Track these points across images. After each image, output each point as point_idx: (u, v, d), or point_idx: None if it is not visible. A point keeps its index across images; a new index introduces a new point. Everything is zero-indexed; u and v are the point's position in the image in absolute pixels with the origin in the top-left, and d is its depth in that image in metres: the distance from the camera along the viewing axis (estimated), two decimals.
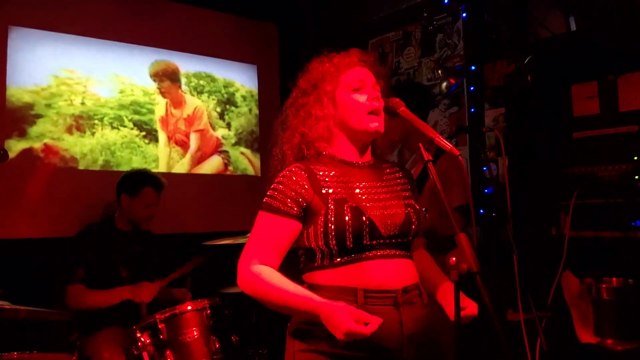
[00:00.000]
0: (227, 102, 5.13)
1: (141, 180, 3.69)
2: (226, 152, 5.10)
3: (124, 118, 4.50)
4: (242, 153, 5.19)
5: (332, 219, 1.84)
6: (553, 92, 3.56)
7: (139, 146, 4.54)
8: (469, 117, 4.35)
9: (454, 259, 1.61)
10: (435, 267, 2.07)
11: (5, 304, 2.80)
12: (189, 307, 3.13)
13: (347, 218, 1.84)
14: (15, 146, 4.00)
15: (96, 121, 4.37)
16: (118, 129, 4.46)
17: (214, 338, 3.11)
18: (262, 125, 5.25)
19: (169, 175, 4.60)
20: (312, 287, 1.90)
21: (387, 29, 5.02)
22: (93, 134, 4.34)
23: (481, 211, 4.00)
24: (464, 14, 4.43)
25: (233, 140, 5.14)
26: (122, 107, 4.50)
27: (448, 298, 1.93)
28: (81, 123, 4.30)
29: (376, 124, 1.97)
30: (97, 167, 4.33)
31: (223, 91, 5.09)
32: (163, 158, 4.69)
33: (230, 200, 4.97)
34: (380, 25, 5.04)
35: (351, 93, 1.99)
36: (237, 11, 5.15)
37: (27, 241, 3.90)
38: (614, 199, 3.09)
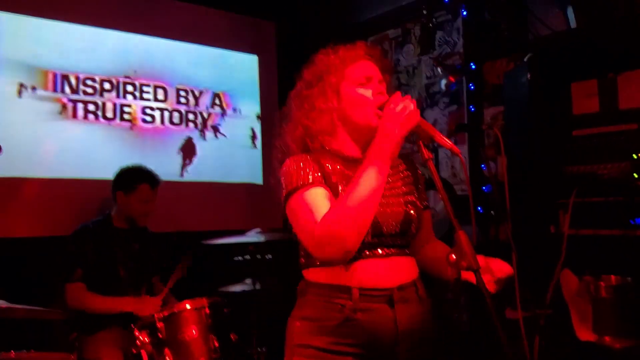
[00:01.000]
0: None
1: (136, 177, 3.67)
2: None
3: None
4: None
5: None
6: (553, 90, 3.55)
7: None
8: (468, 115, 4.35)
9: (453, 256, 1.61)
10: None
11: (3, 303, 2.79)
12: (188, 306, 3.13)
13: None
14: None
15: None
16: None
17: (212, 337, 3.11)
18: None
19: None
20: (310, 285, 1.91)
21: (386, 26, 5.02)
22: None
23: (480, 209, 4.00)
24: (464, 12, 4.43)
25: None
26: None
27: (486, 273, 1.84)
28: None
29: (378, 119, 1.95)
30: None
31: None
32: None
33: (229, 198, 4.96)
34: (380, 22, 5.04)
35: (356, 87, 1.97)
36: (236, 9, 5.14)
37: (24, 240, 3.89)
38: (613, 197, 3.09)
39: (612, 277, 2.93)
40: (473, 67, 4.34)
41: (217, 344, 3.10)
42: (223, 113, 5.04)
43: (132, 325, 3.10)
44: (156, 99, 4.70)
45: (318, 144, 1.98)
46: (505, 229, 2.91)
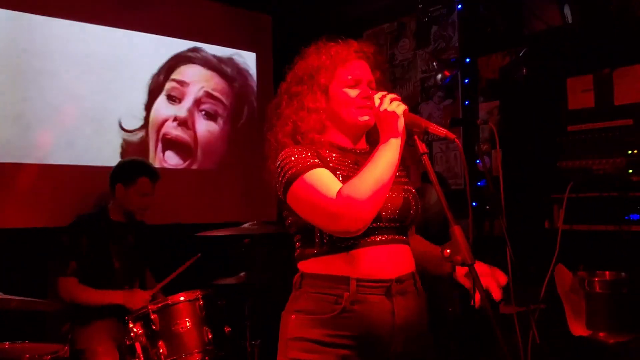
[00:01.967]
0: None
1: (136, 170, 3.65)
2: None
3: None
4: None
5: None
6: (548, 85, 3.56)
7: None
8: (463, 109, 4.36)
9: (448, 251, 1.61)
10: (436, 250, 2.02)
11: None
12: (182, 298, 3.12)
13: None
14: None
15: None
16: None
17: (206, 329, 3.10)
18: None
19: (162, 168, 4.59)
20: (306, 277, 1.91)
21: (381, 20, 5.01)
22: None
23: (474, 204, 4.00)
24: (459, 6, 4.42)
25: None
26: None
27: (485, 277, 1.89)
28: None
29: (365, 118, 1.97)
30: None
31: None
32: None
33: (224, 190, 4.96)
34: (376, 16, 5.03)
35: (344, 87, 1.99)
36: (231, 1, 5.12)
37: (18, 231, 3.88)
38: (608, 193, 3.10)
39: (606, 272, 2.94)
40: (468, 61, 4.33)
41: (210, 336, 3.09)
42: None
43: (126, 317, 3.09)
44: None
45: (308, 140, 1.98)
46: (500, 223, 2.92)
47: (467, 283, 1.93)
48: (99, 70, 4.37)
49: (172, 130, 4.75)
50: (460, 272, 1.94)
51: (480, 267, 1.88)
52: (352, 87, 1.99)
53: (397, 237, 1.92)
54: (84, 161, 4.24)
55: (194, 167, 4.86)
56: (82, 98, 4.28)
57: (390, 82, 2.19)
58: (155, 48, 4.70)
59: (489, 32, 4.18)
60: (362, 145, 2.07)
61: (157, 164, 4.49)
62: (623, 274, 2.91)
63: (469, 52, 4.35)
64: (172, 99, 4.76)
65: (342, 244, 1.86)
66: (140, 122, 4.58)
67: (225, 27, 5.13)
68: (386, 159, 1.81)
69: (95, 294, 3.42)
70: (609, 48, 3.31)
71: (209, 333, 3.09)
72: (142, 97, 4.61)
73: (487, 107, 4.20)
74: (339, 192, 1.76)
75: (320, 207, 1.79)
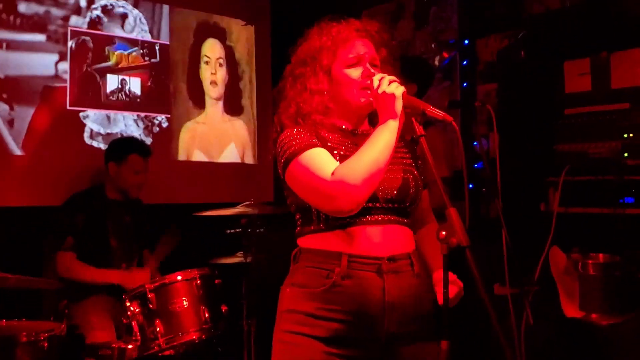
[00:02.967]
0: None
1: (127, 147, 3.68)
2: None
3: None
4: None
5: None
6: (545, 68, 3.56)
7: None
8: (461, 91, 4.35)
9: (443, 233, 1.62)
10: (435, 250, 2.03)
11: None
12: (179, 277, 3.14)
13: None
14: None
15: None
16: None
17: (203, 308, 3.13)
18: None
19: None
20: (304, 251, 1.94)
21: (380, 0, 4.99)
22: None
23: (470, 186, 4.02)
24: None
25: None
26: None
27: (438, 285, 1.92)
28: None
29: (366, 99, 1.96)
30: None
31: None
32: None
33: (221, 170, 4.96)
34: None
35: (345, 68, 1.99)
36: None
37: (15, 209, 3.88)
38: (603, 176, 3.11)
39: (600, 254, 2.96)
40: (467, 43, 4.32)
41: (207, 315, 3.12)
42: None
43: (123, 296, 3.11)
44: None
45: (310, 122, 1.99)
46: (496, 206, 2.93)
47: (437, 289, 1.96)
48: None
49: None
50: (435, 278, 1.98)
51: (439, 275, 1.89)
52: (353, 66, 1.98)
53: (394, 217, 1.93)
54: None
55: None
56: None
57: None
58: None
59: (488, 15, 4.17)
60: (365, 127, 2.07)
61: None
62: (617, 256, 2.93)
63: (467, 34, 4.34)
64: None
65: (337, 222, 1.88)
66: None
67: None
68: (383, 140, 1.82)
69: (93, 271, 3.44)
70: (606, 32, 3.31)
71: (205, 312, 3.12)
72: None
73: (485, 90, 4.20)
74: (333, 173, 1.79)
75: (314, 187, 1.83)
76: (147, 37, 4.62)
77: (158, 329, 3.01)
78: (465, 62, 4.33)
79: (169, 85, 4.72)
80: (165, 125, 4.66)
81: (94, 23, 4.33)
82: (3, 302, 3.08)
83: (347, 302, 1.84)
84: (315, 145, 1.88)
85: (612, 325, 2.81)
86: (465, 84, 4.33)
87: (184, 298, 3.10)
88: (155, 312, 3.05)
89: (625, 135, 3.13)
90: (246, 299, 3.48)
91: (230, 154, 5.04)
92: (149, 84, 4.60)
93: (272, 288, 2.05)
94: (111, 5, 4.42)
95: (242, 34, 5.20)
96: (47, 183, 4.02)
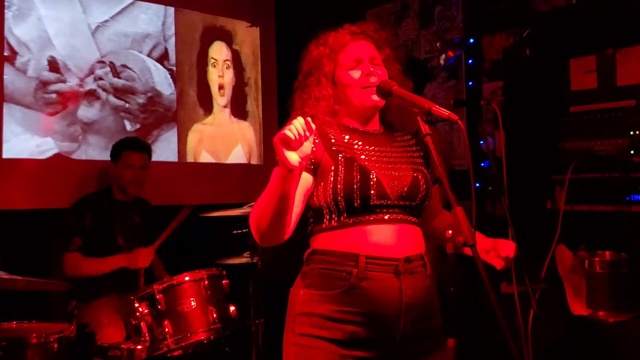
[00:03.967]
0: None
1: (119, 145, 3.79)
2: None
3: None
4: None
5: (341, 176, 1.88)
6: (551, 66, 3.56)
7: None
8: (466, 90, 4.35)
9: (450, 232, 1.62)
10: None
11: (3, 274, 2.82)
12: (187, 278, 3.15)
13: (355, 176, 1.88)
14: None
15: None
16: None
17: (211, 308, 3.14)
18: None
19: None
20: (316, 252, 1.94)
21: (385, 0, 4.99)
22: None
23: (477, 184, 4.02)
24: None
25: None
26: None
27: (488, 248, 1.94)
28: None
29: (373, 98, 1.98)
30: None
31: None
32: None
33: (228, 171, 4.97)
34: None
35: (347, 70, 2.02)
36: None
37: (24, 212, 3.90)
38: (610, 174, 3.11)
39: (607, 252, 2.96)
40: (472, 42, 4.32)
41: (215, 315, 3.13)
42: None
43: (131, 296, 3.13)
44: None
45: (318, 123, 2.00)
46: (502, 204, 2.93)
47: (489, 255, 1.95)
48: None
49: None
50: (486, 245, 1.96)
51: (482, 242, 1.93)
52: (354, 68, 2.01)
53: (406, 217, 1.94)
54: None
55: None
56: None
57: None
58: None
59: (493, 13, 4.17)
60: (375, 126, 2.08)
61: None
62: (623, 254, 2.92)
63: (472, 32, 4.33)
64: None
65: (350, 219, 1.89)
66: None
67: (229, 1, 5.12)
68: (267, 190, 1.81)
69: (98, 262, 3.49)
70: (612, 29, 3.30)
71: (213, 312, 3.13)
72: None
73: (490, 88, 4.20)
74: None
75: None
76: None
77: (167, 330, 3.03)
78: (470, 61, 4.33)
79: (176, 87, 4.74)
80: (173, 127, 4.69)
81: None
82: (12, 304, 3.10)
83: (365, 303, 1.85)
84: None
85: (619, 323, 2.81)
86: (470, 83, 4.33)
87: (192, 299, 3.12)
88: (164, 313, 3.06)
89: (632, 133, 3.12)
90: (253, 299, 3.49)
91: (237, 155, 5.06)
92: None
93: (280, 288, 2.05)
94: None
95: (247, 36, 5.21)
96: (55, 185, 4.06)
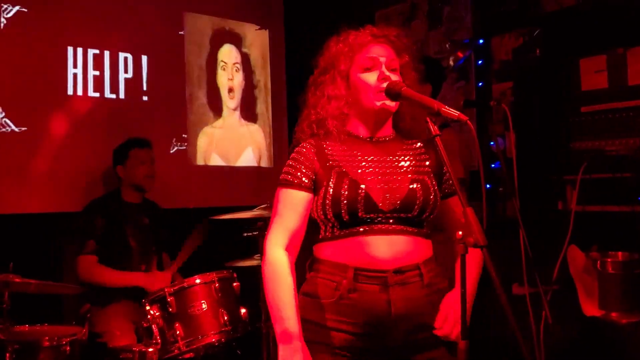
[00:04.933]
0: None
1: (125, 146, 3.82)
2: None
3: None
4: None
5: (331, 190, 1.91)
6: (561, 66, 3.54)
7: None
8: (476, 91, 4.34)
9: (460, 232, 1.61)
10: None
11: (16, 277, 2.84)
12: (198, 280, 3.15)
13: (343, 190, 1.89)
14: None
15: None
16: None
17: (222, 311, 3.14)
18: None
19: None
20: (315, 261, 1.99)
21: (394, 1, 4.98)
22: None
23: (488, 186, 4.01)
24: None
25: None
26: None
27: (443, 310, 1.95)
28: None
29: (382, 102, 1.95)
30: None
31: None
32: None
33: (238, 174, 4.99)
34: None
35: (362, 72, 2.00)
36: None
37: (36, 216, 3.93)
38: (621, 174, 3.09)
39: (619, 253, 2.94)
40: (481, 42, 4.31)
41: (226, 318, 3.13)
42: None
43: (143, 300, 3.14)
44: None
45: (323, 130, 2.02)
46: (513, 205, 2.92)
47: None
48: None
49: None
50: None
51: (453, 295, 1.94)
52: (369, 70, 1.99)
53: (401, 227, 1.91)
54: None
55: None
56: None
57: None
58: None
59: (502, 13, 4.15)
60: (386, 132, 2.06)
61: None
62: (636, 254, 2.91)
63: (482, 33, 4.32)
64: None
65: (343, 231, 1.91)
66: None
67: (238, 4, 5.13)
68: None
69: (115, 274, 3.51)
70: (622, 28, 3.29)
71: (224, 315, 3.13)
72: None
73: (500, 89, 4.18)
74: (271, 245, 1.94)
75: (268, 228, 1.98)
76: None
77: (178, 332, 3.03)
78: (480, 62, 4.32)
79: (186, 90, 4.75)
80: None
81: None
82: (25, 307, 3.12)
83: (355, 314, 1.88)
84: (295, 187, 1.95)
85: (632, 324, 2.79)
86: (480, 84, 4.31)
87: (203, 301, 3.12)
88: (175, 316, 3.06)
89: None
90: (264, 301, 3.49)
91: (247, 158, 5.07)
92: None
93: None
94: None
95: (256, 39, 5.22)
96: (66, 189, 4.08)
